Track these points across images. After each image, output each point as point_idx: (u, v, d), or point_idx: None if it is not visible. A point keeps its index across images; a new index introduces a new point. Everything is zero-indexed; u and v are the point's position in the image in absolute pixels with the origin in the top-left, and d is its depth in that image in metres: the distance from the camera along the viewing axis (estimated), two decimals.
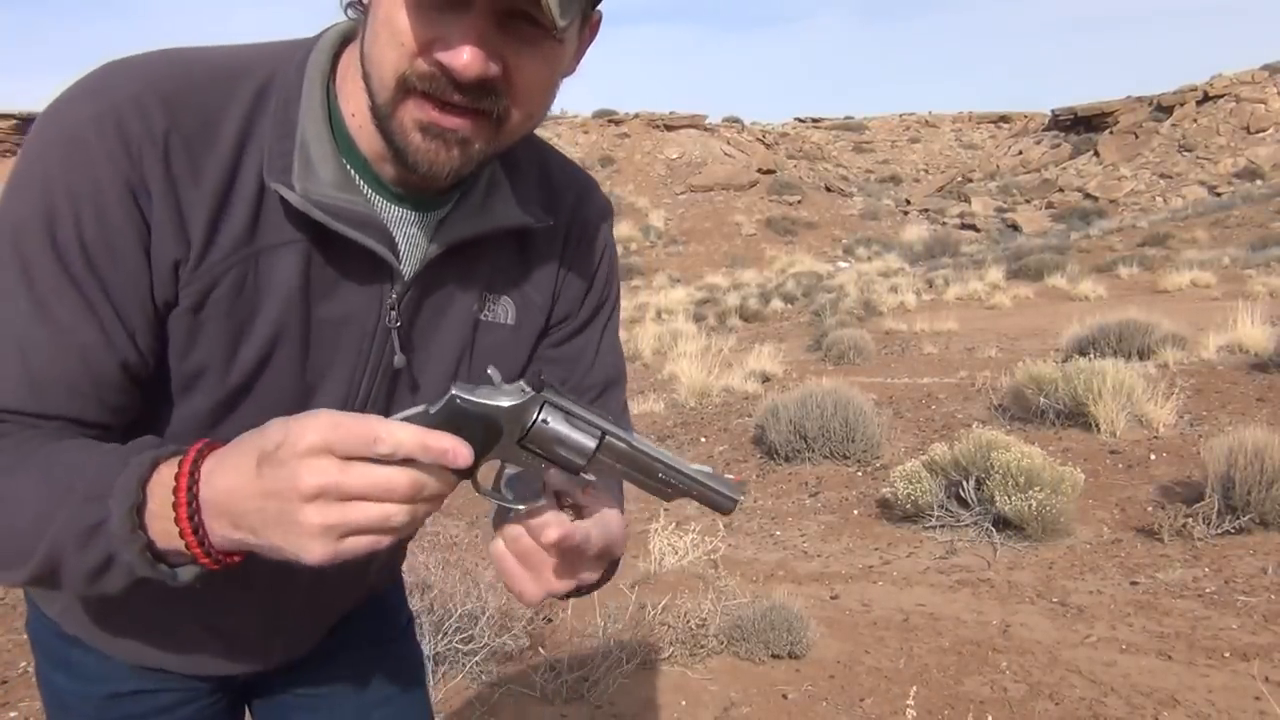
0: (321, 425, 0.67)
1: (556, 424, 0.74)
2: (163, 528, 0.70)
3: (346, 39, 0.86)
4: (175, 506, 0.69)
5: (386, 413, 0.92)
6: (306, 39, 0.88)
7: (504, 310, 0.97)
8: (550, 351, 1.04)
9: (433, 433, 0.69)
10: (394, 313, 0.89)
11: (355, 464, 0.67)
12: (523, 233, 0.95)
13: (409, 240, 0.89)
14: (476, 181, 0.91)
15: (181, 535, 0.70)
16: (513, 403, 0.74)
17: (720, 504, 0.77)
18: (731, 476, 0.77)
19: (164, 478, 0.71)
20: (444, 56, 0.74)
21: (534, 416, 0.74)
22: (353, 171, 0.85)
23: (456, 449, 0.70)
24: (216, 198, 0.80)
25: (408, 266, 0.89)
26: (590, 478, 0.75)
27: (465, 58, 0.74)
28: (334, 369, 0.90)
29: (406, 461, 0.68)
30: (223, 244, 0.81)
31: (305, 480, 0.66)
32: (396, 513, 0.68)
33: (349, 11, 0.84)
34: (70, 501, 0.72)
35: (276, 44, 0.87)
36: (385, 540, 0.69)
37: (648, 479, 0.76)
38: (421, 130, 0.78)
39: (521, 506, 0.76)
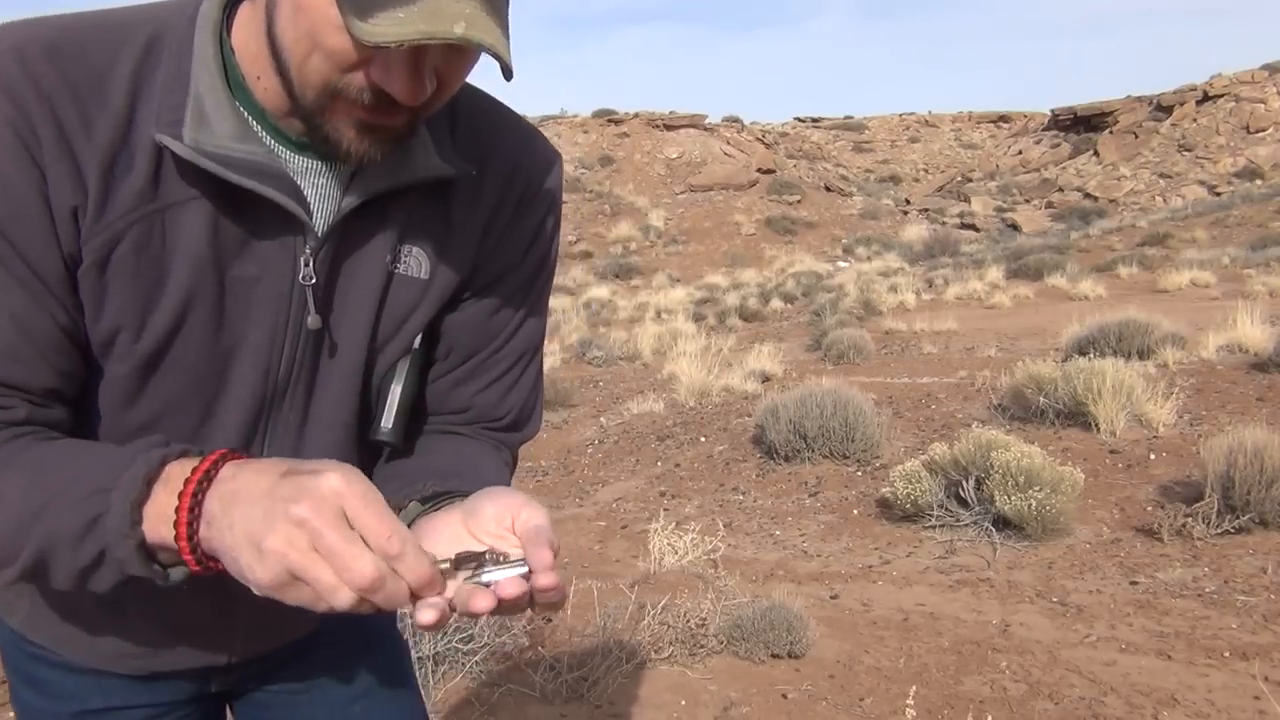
0: (352, 481, 0.68)
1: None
2: (157, 526, 0.70)
3: None
4: (177, 510, 0.69)
5: (313, 378, 0.91)
6: None
7: (417, 263, 0.92)
8: (476, 321, 0.99)
9: (428, 565, 0.70)
10: (309, 269, 0.85)
11: (346, 528, 0.67)
12: (443, 182, 0.90)
13: (319, 192, 0.85)
14: None
15: (175, 539, 0.70)
16: None
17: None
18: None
19: (173, 476, 0.71)
20: (382, 81, 0.73)
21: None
22: (253, 122, 0.82)
23: (439, 594, 0.71)
24: (111, 150, 0.77)
25: (320, 220, 0.85)
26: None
27: (406, 88, 0.73)
28: (252, 333, 0.86)
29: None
30: (123, 198, 0.78)
31: (298, 508, 0.66)
32: (344, 595, 0.66)
33: None
34: (66, 498, 0.72)
35: (160, 1, 0.84)
36: (322, 607, 0.68)
37: None
38: (357, 128, 0.77)
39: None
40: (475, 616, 0.73)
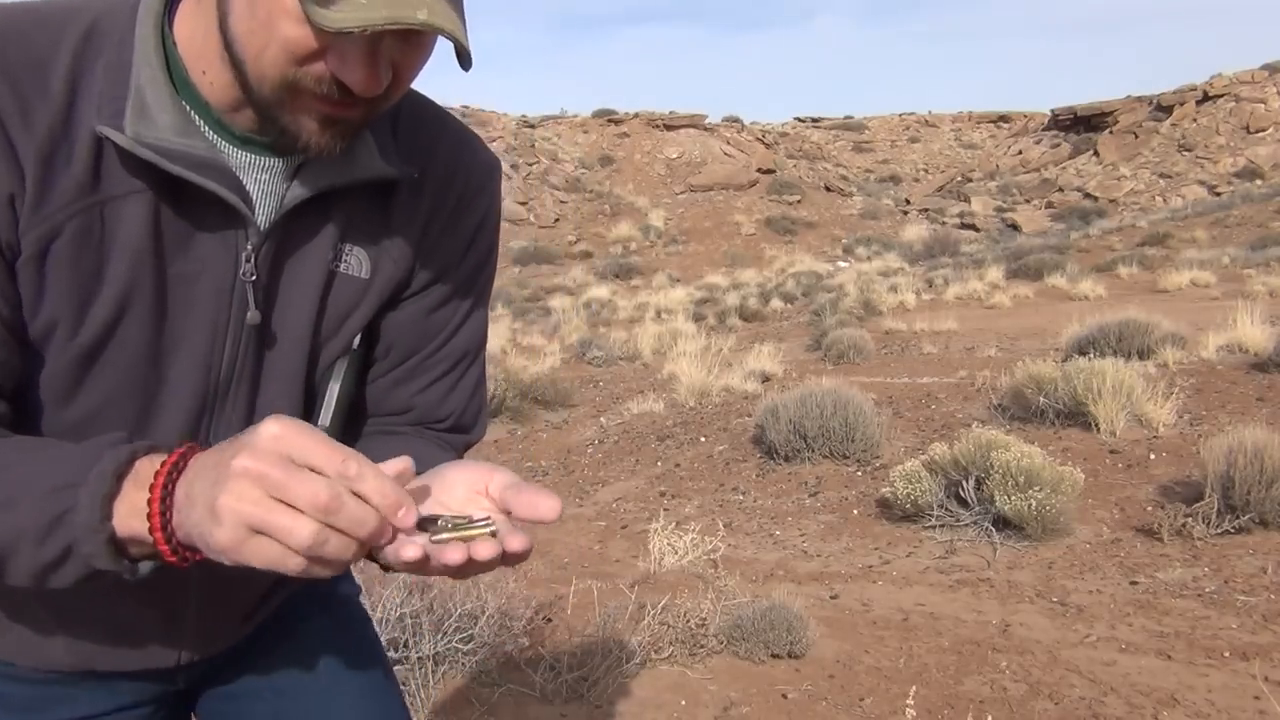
0: (291, 424, 0.67)
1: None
2: (128, 520, 0.69)
3: None
4: (150, 501, 0.68)
5: (256, 376, 0.90)
6: None
7: (358, 262, 0.92)
8: (414, 320, 0.98)
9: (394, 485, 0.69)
10: (250, 265, 0.85)
11: (293, 465, 0.65)
12: (384, 183, 0.91)
13: (262, 187, 0.85)
14: None
15: (150, 530, 0.69)
16: None
17: None
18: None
19: (142, 471, 0.70)
20: (339, 72, 0.74)
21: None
22: (195, 115, 0.81)
23: (408, 511, 0.69)
24: (50, 140, 0.76)
25: (263, 215, 0.85)
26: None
27: (363, 78, 0.74)
28: (192, 330, 0.85)
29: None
30: (63, 190, 0.77)
31: (239, 458, 0.65)
32: (304, 529, 0.64)
33: None
34: (28, 495, 0.70)
35: None
36: (291, 561, 0.66)
37: None
38: (319, 121, 0.77)
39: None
40: (448, 570, 0.71)
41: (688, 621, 3.41)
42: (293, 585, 1.10)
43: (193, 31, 0.79)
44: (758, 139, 49.42)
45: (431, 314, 0.99)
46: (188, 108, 0.81)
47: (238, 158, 0.83)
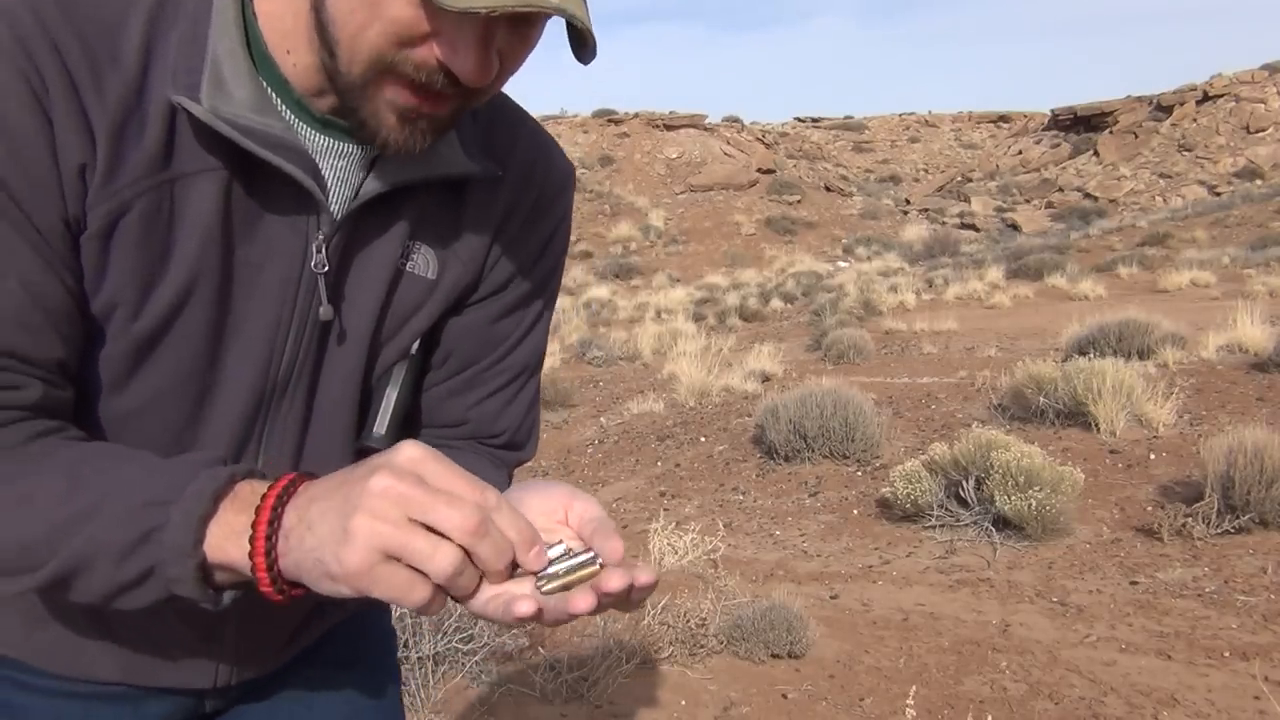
0: (429, 450, 0.65)
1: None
2: (223, 544, 0.65)
3: None
4: (255, 524, 0.64)
5: (316, 374, 0.86)
6: None
7: (425, 261, 0.87)
8: (477, 327, 0.94)
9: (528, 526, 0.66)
10: (321, 255, 0.80)
11: (433, 488, 0.63)
12: (459, 182, 0.86)
13: (337, 174, 0.80)
14: None
15: (252, 554, 0.65)
16: None
17: None
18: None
19: (243, 494, 0.66)
20: (447, 58, 0.68)
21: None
22: (272, 94, 0.76)
23: (539, 551, 0.66)
24: (123, 110, 0.72)
25: (337, 204, 0.80)
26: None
27: (474, 66, 0.68)
28: (254, 320, 0.80)
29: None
30: (134, 165, 0.72)
31: (378, 477, 0.62)
32: (445, 555, 0.61)
33: None
34: (113, 508, 0.66)
35: None
36: (417, 592, 0.62)
37: None
38: (400, 115, 0.72)
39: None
40: (572, 618, 0.65)
41: (688, 621, 3.41)
42: (336, 614, 1.06)
43: (279, 7, 0.75)
44: (758, 139, 49.40)
45: (495, 323, 0.95)
46: (265, 85, 0.76)
47: (315, 141, 0.79)
